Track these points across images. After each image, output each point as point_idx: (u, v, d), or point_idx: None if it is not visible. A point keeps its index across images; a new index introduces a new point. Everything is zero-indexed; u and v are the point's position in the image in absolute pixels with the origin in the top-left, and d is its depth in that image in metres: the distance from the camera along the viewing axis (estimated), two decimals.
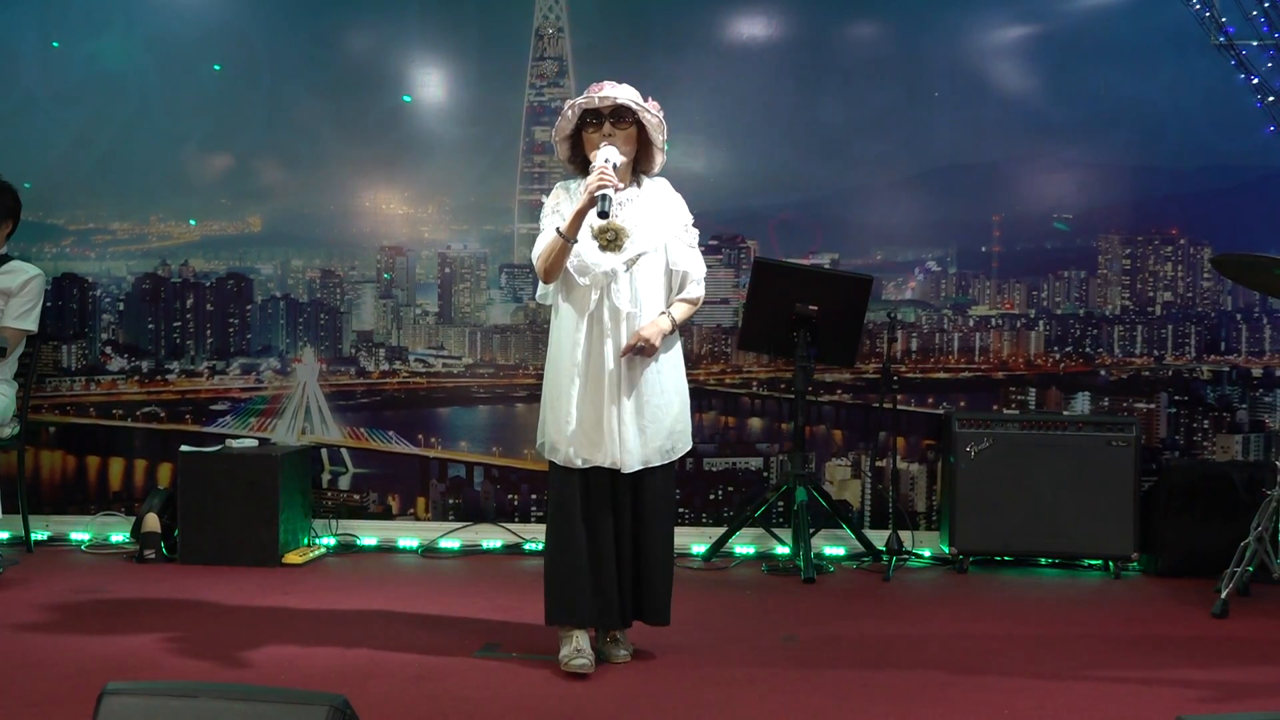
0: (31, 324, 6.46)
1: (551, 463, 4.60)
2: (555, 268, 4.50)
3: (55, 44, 7.17)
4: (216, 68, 7.13)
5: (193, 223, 7.28)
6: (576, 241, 4.44)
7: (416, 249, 7.23)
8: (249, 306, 7.24)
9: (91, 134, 7.16)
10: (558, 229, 4.43)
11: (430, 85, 7.20)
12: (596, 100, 4.46)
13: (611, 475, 4.53)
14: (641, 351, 4.48)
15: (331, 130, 7.15)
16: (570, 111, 4.51)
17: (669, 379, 4.63)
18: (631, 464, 4.49)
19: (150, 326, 7.23)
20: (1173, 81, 6.85)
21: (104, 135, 7.16)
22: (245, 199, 7.28)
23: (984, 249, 7.08)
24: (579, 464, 4.49)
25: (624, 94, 4.47)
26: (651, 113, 4.50)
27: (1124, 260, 7.03)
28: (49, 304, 6.77)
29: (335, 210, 7.25)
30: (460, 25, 7.12)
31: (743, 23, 7.11)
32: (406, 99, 7.14)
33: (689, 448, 4.74)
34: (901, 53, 7.02)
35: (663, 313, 4.57)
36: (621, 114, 4.48)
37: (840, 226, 7.12)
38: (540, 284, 4.66)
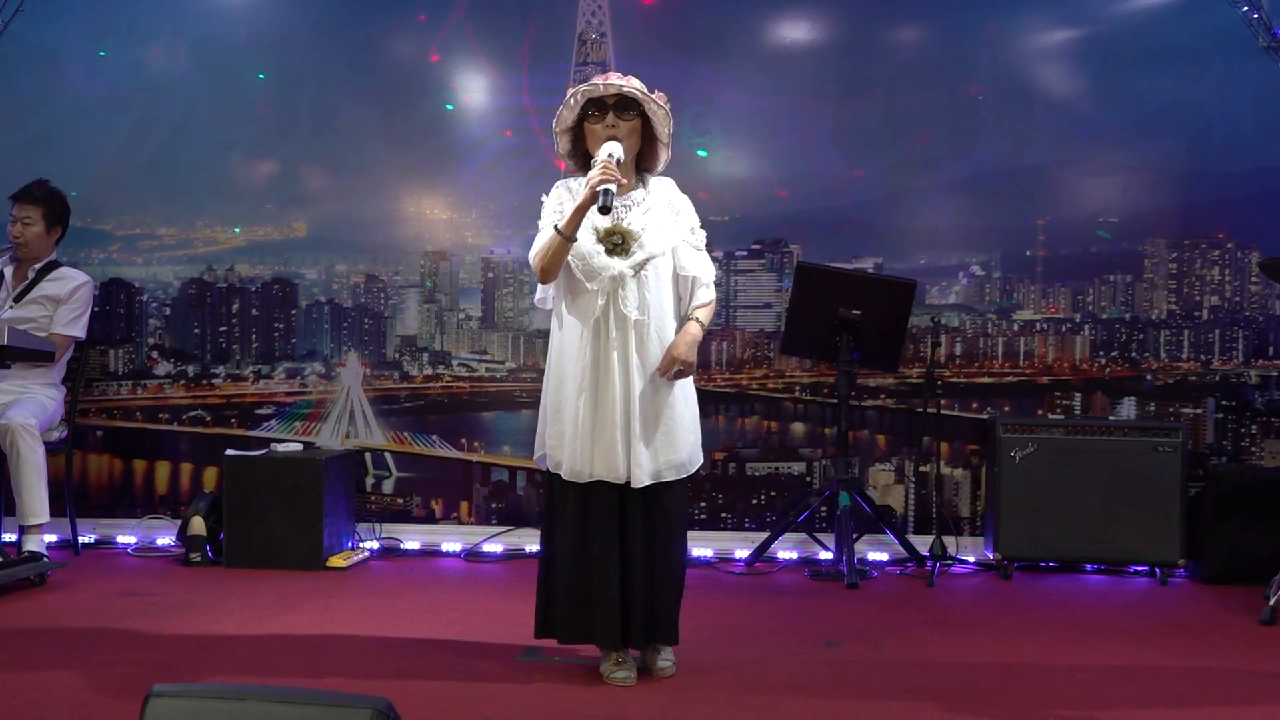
0: (79, 331, 6.54)
1: (551, 475, 4.45)
2: (553, 267, 4.32)
3: (102, 53, 7.24)
4: (261, 76, 7.18)
5: (238, 230, 7.32)
6: (575, 240, 4.26)
7: (460, 254, 7.25)
8: (294, 311, 7.28)
9: (138, 141, 7.22)
10: (556, 226, 4.26)
11: (474, 91, 7.21)
12: (601, 88, 4.29)
13: (619, 491, 4.34)
14: (681, 374, 4.32)
15: (376, 136, 7.18)
16: (573, 100, 4.34)
17: (680, 390, 4.42)
18: (642, 479, 4.30)
19: (196, 331, 7.29)
20: (1220, 84, 6.79)
21: (150, 142, 7.22)
22: (290, 205, 7.32)
23: (1028, 253, 7.03)
24: (586, 479, 4.33)
25: (629, 84, 4.30)
26: (658, 104, 4.32)
27: (1170, 264, 6.97)
28: (96, 309, 6.83)
29: (379, 216, 7.27)
30: (504, 30, 7.12)
31: (786, 26, 7.09)
32: (449, 107, 7.16)
33: (701, 461, 4.51)
34: (945, 56, 6.98)
35: (691, 319, 4.40)
36: (626, 105, 4.31)
37: (884, 230, 7.08)
38: (539, 287, 4.50)
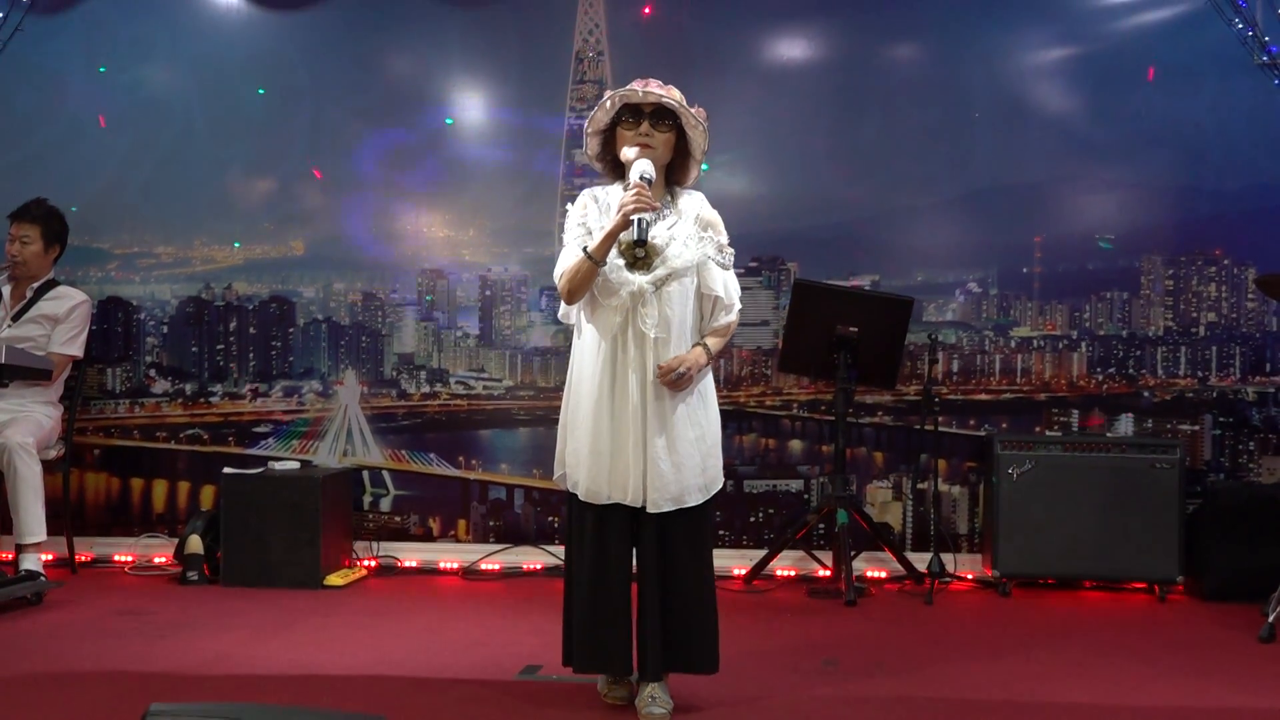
0: (77, 350, 6.55)
1: (570, 495, 4.30)
2: (580, 289, 4.16)
3: (101, 70, 7.25)
4: (260, 91, 7.20)
5: (236, 246, 7.32)
6: (605, 264, 4.11)
7: (457, 272, 7.26)
8: (291, 329, 7.28)
9: (136, 159, 7.23)
10: (585, 249, 4.12)
11: (471, 109, 7.22)
12: (640, 94, 4.11)
13: (637, 513, 4.19)
14: (678, 381, 4.13)
15: (373, 154, 7.18)
16: (609, 103, 4.18)
17: (702, 411, 4.25)
18: (662, 503, 4.14)
19: (194, 349, 7.29)
20: (1215, 101, 6.81)
21: (149, 160, 7.23)
22: (288, 223, 7.31)
23: (1025, 270, 7.04)
24: (603, 500, 4.18)
25: (669, 94, 4.13)
26: (697, 120, 4.15)
27: (1167, 281, 6.97)
28: (94, 327, 6.84)
29: (377, 234, 7.27)
30: (501, 49, 7.14)
31: (783, 45, 7.11)
32: (449, 121, 7.17)
33: (721, 483, 4.33)
34: (941, 74, 7.00)
35: (698, 344, 4.24)
36: (662, 115, 4.15)
37: (881, 248, 7.08)
38: (562, 303, 4.34)
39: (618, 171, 4.32)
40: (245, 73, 7.21)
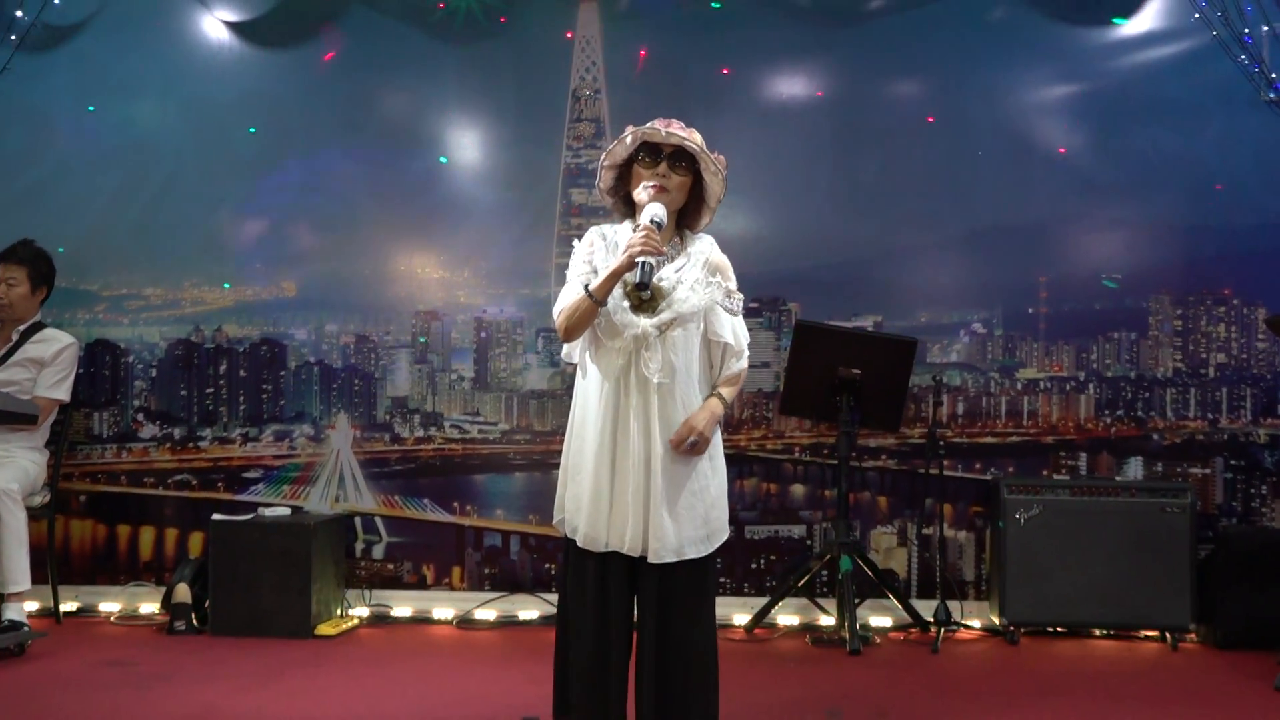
0: (64, 394, 6.49)
1: (569, 541, 4.15)
2: (578, 328, 4.04)
3: (90, 109, 7.20)
4: (252, 130, 7.13)
5: (226, 287, 7.24)
6: (606, 305, 4.01)
7: (452, 313, 7.17)
8: (282, 372, 7.20)
9: (125, 199, 7.19)
10: (586, 287, 4.02)
11: (466, 147, 7.17)
12: (662, 134, 4.03)
13: (638, 563, 4.05)
14: (694, 448, 4.03)
15: (366, 194, 7.13)
16: (629, 138, 4.08)
17: (708, 462, 4.12)
18: (663, 554, 3.99)
19: (183, 393, 7.20)
20: (1222, 138, 6.78)
21: (138, 200, 7.18)
22: (279, 264, 7.24)
23: (1031, 310, 6.97)
24: (601, 547, 4.04)
25: (691, 137, 4.07)
26: (716, 166, 4.09)
27: (1175, 321, 6.90)
28: (81, 370, 6.77)
29: (370, 275, 7.20)
30: (497, 87, 7.10)
31: (782, 83, 7.07)
32: (443, 160, 7.11)
33: (726, 536, 4.16)
34: (944, 111, 6.95)
35: (713, 395, 4.12)
36: (681, 157, 4.08)
37: (883, 288, 7.01)
38: (564, 344, 4.24)
39: (628, 208, 4.23)
40: (236, 112, 7.16)
